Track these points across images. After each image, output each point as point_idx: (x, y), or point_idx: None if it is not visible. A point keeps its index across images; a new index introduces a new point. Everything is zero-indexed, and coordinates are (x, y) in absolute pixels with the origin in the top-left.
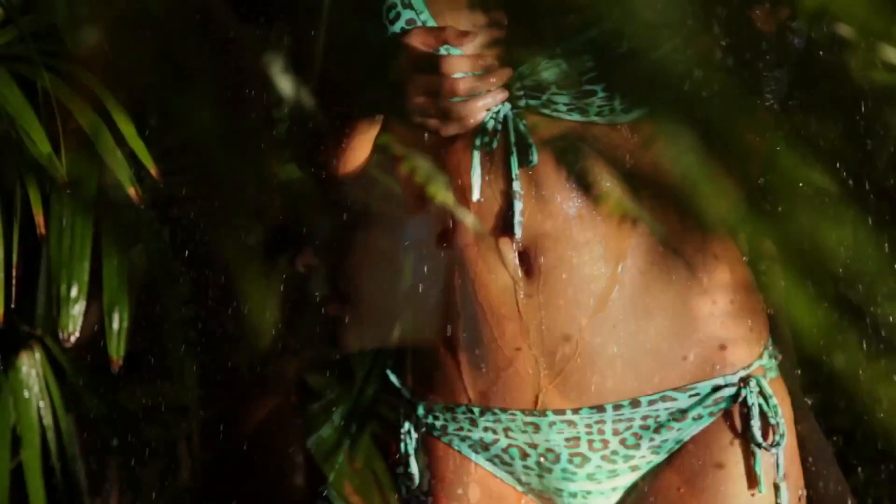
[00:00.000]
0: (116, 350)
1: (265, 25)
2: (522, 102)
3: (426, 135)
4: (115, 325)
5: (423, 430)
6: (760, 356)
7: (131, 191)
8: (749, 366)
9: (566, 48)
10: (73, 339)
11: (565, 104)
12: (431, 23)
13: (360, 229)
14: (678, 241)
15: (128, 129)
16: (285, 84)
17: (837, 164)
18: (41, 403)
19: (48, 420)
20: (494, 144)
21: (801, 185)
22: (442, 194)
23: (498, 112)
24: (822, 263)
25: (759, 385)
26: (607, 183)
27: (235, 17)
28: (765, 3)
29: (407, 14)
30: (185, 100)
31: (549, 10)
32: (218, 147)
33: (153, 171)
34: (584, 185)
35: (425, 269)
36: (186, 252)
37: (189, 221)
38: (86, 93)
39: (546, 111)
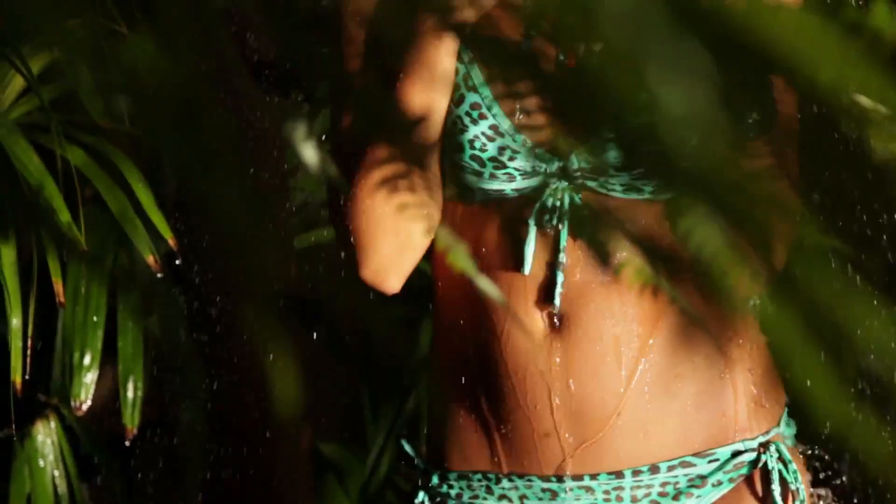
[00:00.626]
0: (131, 419)
1: (285, 95)
2: (579, 182)
3: (481, 205)
4: (130, 394)
5: (438, 499)
6: (778, 423)
7: (150, 259)
8: (768, 432)
9: (622, 134)
10: (84, 407)
11: (622, 185)
12: (495, 107)
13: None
14: (704, 313)
15: (146, 199)
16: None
17: (860, 242)
18: (56, 472)
19: (63, 489)
20: (554, 221)
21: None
22: (465, 264)
23: (556, 188)
24: (844, 341)
25: (778, 451)
26: (641, 256)
27: (256, 86)
28: (783, 79)
29: (471, 97)
30: (204, 170)
31: (607, 98)
32: (237, 216)
33: (171, 240)
34: (620, 257)
35: (451, 335)
36: (202, 321)
37: (206, 290)
38: (105, 162)
39: (602, 190)
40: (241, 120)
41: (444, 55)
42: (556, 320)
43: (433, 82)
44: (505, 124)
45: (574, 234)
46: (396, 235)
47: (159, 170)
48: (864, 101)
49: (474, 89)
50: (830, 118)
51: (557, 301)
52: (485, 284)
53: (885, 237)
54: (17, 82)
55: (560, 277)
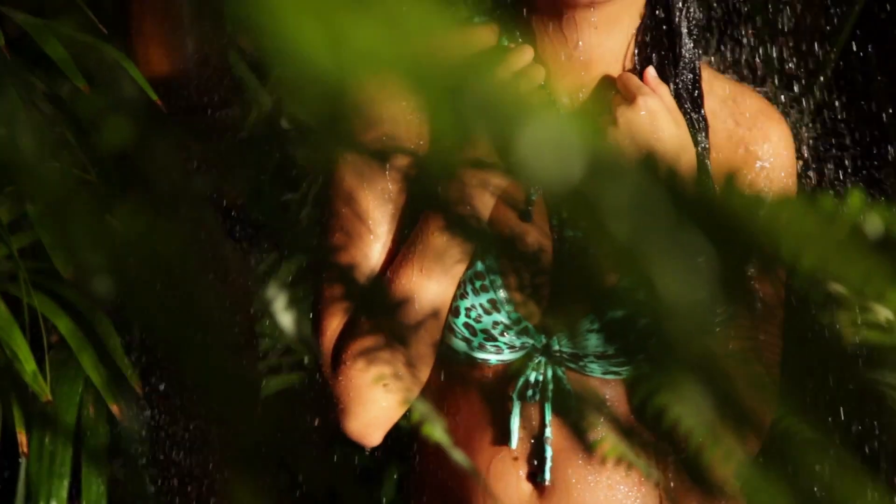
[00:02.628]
0: None
1: (256, 248)
2: (560, 362)
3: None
4: None
5: None
6: None
7: (114, 408)
8: None
9: (604, 321)
10: None
11: (602, 370)
12: (498, 280)
13: None
14: (687, 490)
15: (114, 345)
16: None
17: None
18: None
19: None
20: (537, 397)
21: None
22: (441, 437)
23: (539, 363)
24: None
25: None
26: (620, 433)
27: (226, 236)
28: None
29: (477, 265)
30: (171, 318)
31: (590, 284)
32: (203, 363)
33: (137, 387)
34: (600, 433)
35: (431, 498)
36: (167, 467)
37: (172, 436)
38: (72, 311)
39: (584, 371)
40: (210, 268)
41: (459, 254)
42: (543, 490)
43: (445, 275)
44: (503, 299)
45: (556, 409)
46: (380, 402)
47: (127, 317)
48: (840, 287)
49: (481, 257)
50: (808, 303)
51: (548, 475)
52: (460, 458)
53: (859, 421)
54: None
55: (549, 452)
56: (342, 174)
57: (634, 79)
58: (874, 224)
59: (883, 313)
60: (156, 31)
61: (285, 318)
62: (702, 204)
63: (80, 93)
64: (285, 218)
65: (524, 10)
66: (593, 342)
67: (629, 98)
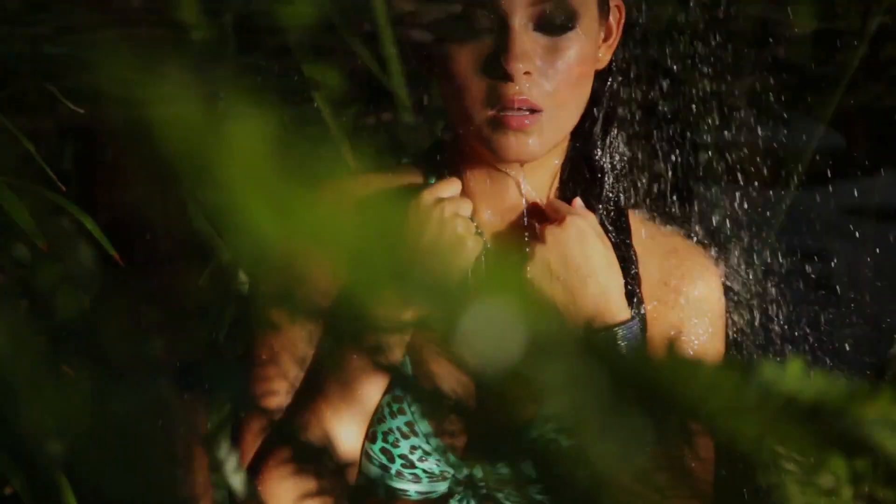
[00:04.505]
0: None
1: (209, 405)
2: (483, 493)
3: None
4: None
5: None
6: None
7: None
8: None
9: (513, 458)
10: None
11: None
12: (416, 404)
13: None
14: None
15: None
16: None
17: None
18: None
19: None
20: None
21: None
22: None
23: (462, 497)
24: None
25: None
26: None
27: (179, 393)
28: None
29: (396, 389)
30: (124, 478)
31: (501, 421)
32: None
33: None
34: None
35: None
36: None
37: None
38: (28, 467)
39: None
40: (162, 427)
41: (375, 391)
42: None
43: (362, 415)
44: (422, 424)
45: None
46: None
47: (81, 476)
48: (781, 452)
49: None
50: (748, 467)
51: None
52: None
53: None
54: None
55: None
56: (269, 320)
57: (563, 203)
58: (812, 392)
59: (827, 479)
60: (113, 184)
61: (236, 479)
62: (638, 376)
63: (36, 253)
64: (239, 375)
65: (452, 151)
66: (517, 475)
67: (558, 219)
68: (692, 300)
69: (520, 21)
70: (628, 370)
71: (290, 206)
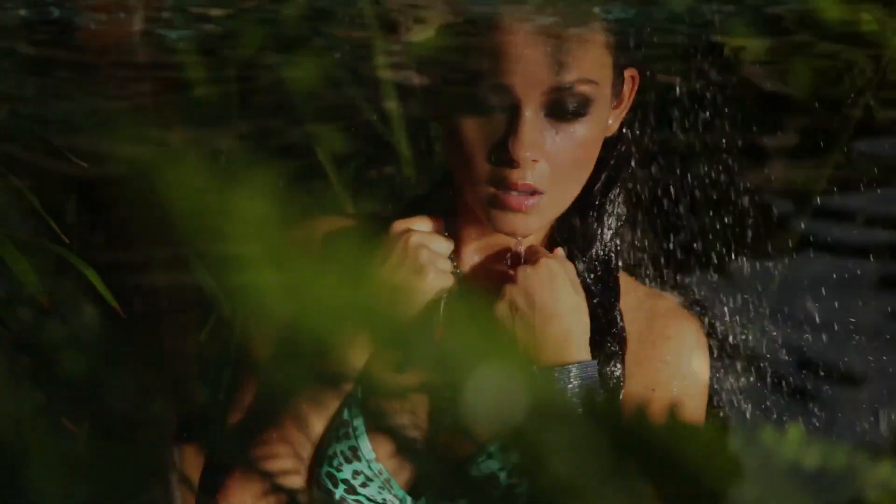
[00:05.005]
0: None
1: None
2: None
3: None
4: None
5: None
6: None
7: None
8: None
9: (455, 494)
10: None
11: None
12: (361, 429)
13: None
14: None
15: None
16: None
17: None
18: None
19: None
20: None
21: None
22: None
23: None
24: None
25: None
26: None
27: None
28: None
29: (342, 413)
30: None
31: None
32: None
33: None
34: None
35: None
36: None
37: None
38: None
39: None
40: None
41: (323, 416)
42: None
43: (309, 439)
44: (365, 449)
45: None
46: None
47: None
48: None
49: (348, 406)
50: None
51: None
52: None
53: None
54: None
55: None
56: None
57: (543, 249)
58: (813, 459)
59: None
60: (117, 238)
61: None
62: (638, 442)
63: (38, 309)
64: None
65: (448, 195)
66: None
67: (533, 262)
68: (675, 364)
69: (532, 108)
70: (629, 433)
71: (291, 262)
